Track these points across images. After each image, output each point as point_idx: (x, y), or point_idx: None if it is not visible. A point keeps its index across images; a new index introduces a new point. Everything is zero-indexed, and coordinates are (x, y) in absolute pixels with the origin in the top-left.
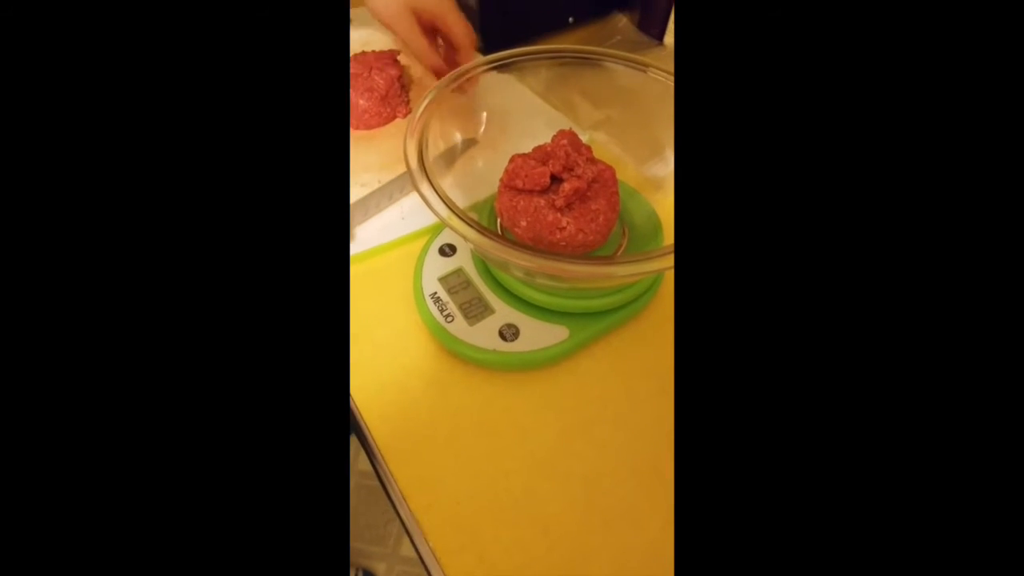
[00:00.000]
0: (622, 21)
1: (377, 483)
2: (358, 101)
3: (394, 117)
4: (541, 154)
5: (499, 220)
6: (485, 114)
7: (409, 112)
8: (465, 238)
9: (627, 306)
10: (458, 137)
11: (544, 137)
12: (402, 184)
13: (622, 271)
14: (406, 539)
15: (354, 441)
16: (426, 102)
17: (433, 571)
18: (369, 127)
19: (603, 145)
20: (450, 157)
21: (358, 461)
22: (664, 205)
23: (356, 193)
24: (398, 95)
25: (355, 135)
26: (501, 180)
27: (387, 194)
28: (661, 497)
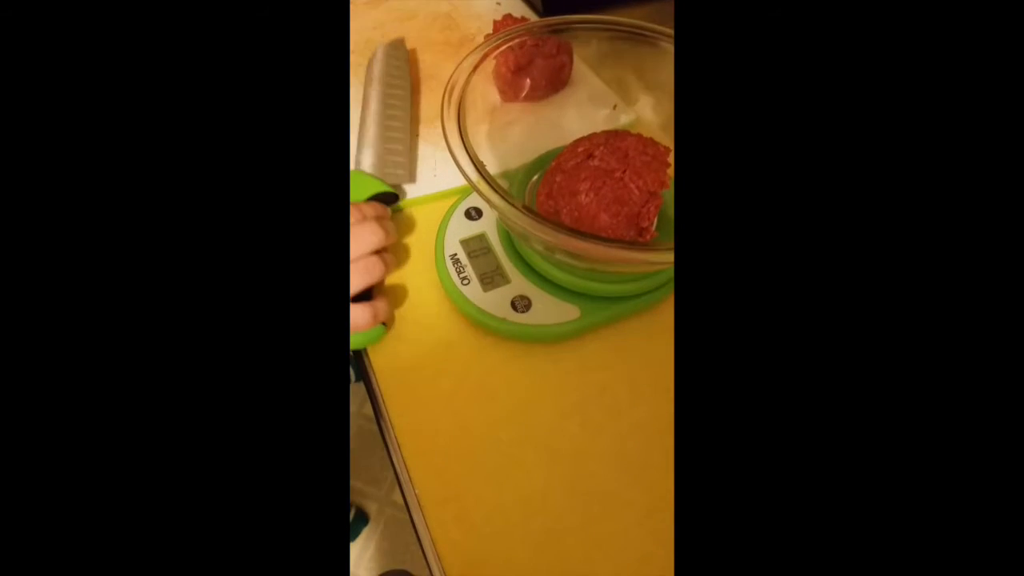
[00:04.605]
0: None
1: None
2: None
3: None
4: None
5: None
6: (529, 81)
7: None
8: (491, 204)
9: (642, 296)
10: (497, 99)
11: (588, 111)
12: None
13: (639, 256)
14: (399, 486)
15: (362, 388)
16: (471, 59)
17: (416, 517)
18: None
19: (646, 128)
20: (489, 120)
21: (364, 407)
22: None
23: None
24: None
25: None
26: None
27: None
28: (644, 489)
